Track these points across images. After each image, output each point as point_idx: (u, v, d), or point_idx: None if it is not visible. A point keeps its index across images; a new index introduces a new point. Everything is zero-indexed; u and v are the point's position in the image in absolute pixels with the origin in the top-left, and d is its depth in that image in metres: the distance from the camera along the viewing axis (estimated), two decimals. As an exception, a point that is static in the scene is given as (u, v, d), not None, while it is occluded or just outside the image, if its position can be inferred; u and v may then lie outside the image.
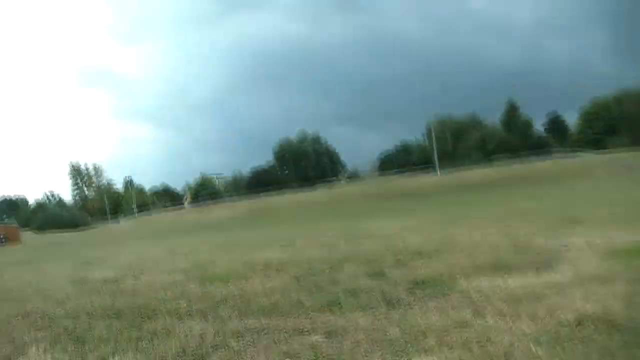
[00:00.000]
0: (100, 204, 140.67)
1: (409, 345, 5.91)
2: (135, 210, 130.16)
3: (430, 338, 6.04)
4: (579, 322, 6.08)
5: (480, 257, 10.71)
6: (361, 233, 19.42)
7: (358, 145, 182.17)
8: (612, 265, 8.96)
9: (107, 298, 10.63)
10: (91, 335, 7.80)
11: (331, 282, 9.68)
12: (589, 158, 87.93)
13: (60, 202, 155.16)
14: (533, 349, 5.42)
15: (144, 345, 6.95)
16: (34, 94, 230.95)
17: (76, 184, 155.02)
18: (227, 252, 17.69)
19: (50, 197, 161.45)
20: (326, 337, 6.52)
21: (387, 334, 6.34)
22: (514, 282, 8.38)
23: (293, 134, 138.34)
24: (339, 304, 8.06)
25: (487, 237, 13.91)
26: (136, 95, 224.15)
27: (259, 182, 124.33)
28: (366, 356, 5.74)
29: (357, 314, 7.39)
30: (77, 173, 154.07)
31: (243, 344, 6.59)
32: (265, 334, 6.93)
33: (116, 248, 30.63)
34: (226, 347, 6.51)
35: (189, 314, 8.45)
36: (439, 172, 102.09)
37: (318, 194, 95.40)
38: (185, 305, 9.11)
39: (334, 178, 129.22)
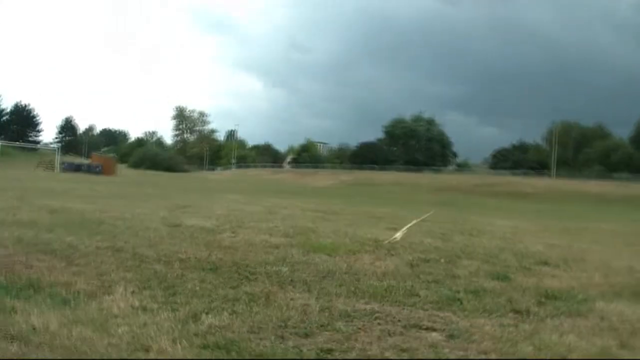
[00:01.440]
0: (200, 151, 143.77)
1: (547, 368, 5.17)
2: (234, 162, 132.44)
3: (572, 364, 5.28)
4: None
5: (618, 279, 9.75)
6: (472, 227, 18.54)
7: (473, 137, 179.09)
8: None
9: (202, 249, 10.29)
10: (183, 286, 7.42)
11: (449, 276, 8.98)
12: None
13: (160, 143, 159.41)
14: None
15: (240, 308, 6.46)
16: (150, 33, 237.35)
17: (179, 127, 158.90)
18: (330, 222, 17.19)
19: (150, 137, 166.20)
20: (448, 338, 5.85)
21: (519, 349, 5.61)
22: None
23: (406, 115, 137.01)
24: (460, 302, 7.36)
25: (620, 256, 12.83)
26: (253, 49, 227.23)
27: (364, 156, 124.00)
28: (499, 372, 5.03)
29: (481, 319, 6.68)
30: (181, 117, 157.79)
31: (353, 328, 5.99)
32: (378, 321, 6.31)
33: (212, 198, 30.72)
34: (333, 329, 5.93)
35: (292, 283, 7.94)
36: (555, 178, 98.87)
37: (424, 178, 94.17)
38: (287, 271, 8.62)
39: (443, 165, 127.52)
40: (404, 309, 6.93)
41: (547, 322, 6.80)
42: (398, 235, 13.38)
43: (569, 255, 12.27)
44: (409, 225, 16.59)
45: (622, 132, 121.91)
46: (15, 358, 3.41)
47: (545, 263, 10.91)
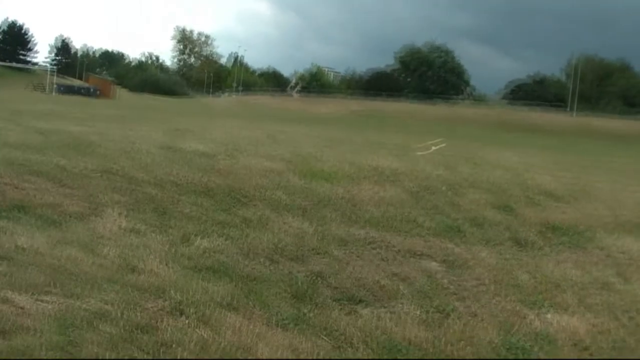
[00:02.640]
0: (203, 76, 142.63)
1: (541, 296, 5.31)
2: (240, 88, 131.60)
3: (568, 294, 5.42)
4: None
5: (625, 214, 9.86)
6: (483, 160, 18.59)
7: (490, 69, 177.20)
8: None
9: (198, 173, 10.34)
10: (176, 209, 7.53)
11: (451, 206, 9.11)
12: None
13: (162, 66, 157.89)
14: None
15: (233, 233, 6.60)
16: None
17: (181, 50, 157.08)
18: (333, 149, 17.23)
19: (149, 59, 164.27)
20: (444, 267, 5.99)
21: (516, 278, 5.76)
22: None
23: (420, 44, 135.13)
24: (461, 231, 7.51)
25: (631, 193, 12.93)
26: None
27: (375, 85, 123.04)
28: (492, 298, 5.17)
29: (480, 248, 6.83)
30: (182, 39, 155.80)
31: (347, 253, 6.15)
32: (373, 248, 6.46)
33: (213, 122, 30.65)
34: (327, 254, 6.07)
35: (288, 209, 8.06)
36: (575, 113, 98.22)
37: (438, 109, 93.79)
38: (284, 197, 8.73)
39: (458, 96, 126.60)
40: (401, 236, 7.07)
41: (547, 253, 6.95)
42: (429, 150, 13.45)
43: (577, 189, 12.36)
44: (436, 143, 16.62)
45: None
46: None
47: (552, 196, 11.00)
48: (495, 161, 18.53)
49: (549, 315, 4.87)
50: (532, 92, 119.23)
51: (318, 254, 6.05)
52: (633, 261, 6.91)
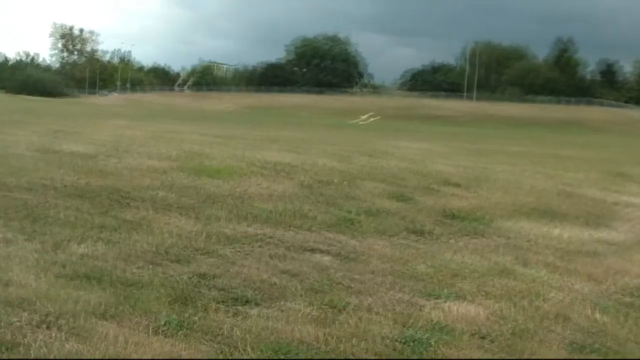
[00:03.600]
0: (89, 74, 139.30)
1: (439, 286, 5.32)
2: (127, 86, 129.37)
3: (467, 282, 5.46)
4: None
5: (522, 198, 10.15)
6: (376, 149, 18.78)
7: (390, 58, 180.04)
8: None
9: (76, 175, 9.97)
10: (56, 215, 7.20)
11: (346, 198, 9.10)
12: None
13: (40, 65, 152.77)
14: (592, 314, 4.84)
15: (113, 236, 6.35)
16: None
17: (64, 48, 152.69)
18: (224, 146, 17.03)
19: (25, 57, 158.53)
20: (338, 261, 5.94)
21: (413, 269, 5.75)
22: (563, 233, 7.86)
23: (312, 34, 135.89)
24: (355, 223, 7.49)
25: (529, 177, 13.32)
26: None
27: (268, 78, 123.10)
28: (387, 291, 5.13)
29: (376, 239, 6.82)
30: (66, 36, 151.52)
31: (234, 252, 6.00)
32: (263, 245, 6.34)
33: (96, 123, 29.84)
34: (214, 254, 5.92)
35: (173, 208, 7.85)
36: (467, 99, 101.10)
37: (332, 101, 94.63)
38: (169, 196, 8.51)
39: (354, 87, 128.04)
40: (293, 231, 6.99)
41: (445, 241, 7.02)
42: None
43: (476, 176, 12.62)
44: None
45: (542, 53, 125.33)
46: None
47: (451, 184, 11.19)
48: (393, 151, 18.73)
49: (447, 305, 4.87)
50: (429, 81, 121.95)
51: (204, 254, 5.89)
52: (531, 245, 7.09)
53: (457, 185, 11.12)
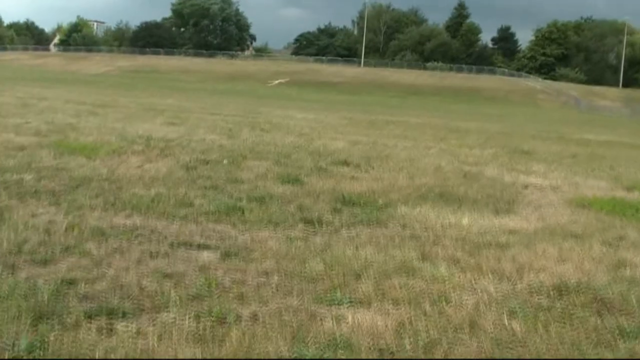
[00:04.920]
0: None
1: (338, 290, 5.02)
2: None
3: (367, 283, 5.19)
4: (560, 292, 5.38)
5: (424, 180, 10.03)
6: (265, 121, 18.46)
7: (274, 19, 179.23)
8: (584, 217, 8.46)
9: None
10: None
11: (231, 181, 8.74)
12: (534, 83, 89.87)
13: None
14: (502, 319, 4.67)
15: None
16: None
17: None
18: (97, 117, 16.35)
19: None
20: (225, 261, 5.56)
21: (309, 269, 5.44)
22: (469, 221, 7.75)
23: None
24: (242, 212, 7.13)
25: (431, 156, 13.26)
26: None
27: (147, 39, 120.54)
28: (277, 296, 4.82)
29: (267, 233, 6.48)
30: None
31: (106, 250, 5.52)
32: (140, 241, 5.89)
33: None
34: (82, 252, 5.44)
35: (36, 195, 7.28)
36: (362, 65, 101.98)
37: (217, 65, 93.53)
38: (31, 180, 7.93)
39: (239, 50, 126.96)
40: (172, 222, 6.57)
41: (342, 233, 6.74)
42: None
43: (372, 154, 12.48)
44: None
45: (437, 18, 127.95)
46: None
47: (345, 163, 11.00)
48: (282, 123, 18.47)
49: (345, 312, 4.60)
50: (320, 44, 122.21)
51: (70, 253, 5.41)
52: (437, 237, 6.89)
53: (353, 164, 10.93)
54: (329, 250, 6.04)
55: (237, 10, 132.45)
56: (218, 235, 6.27)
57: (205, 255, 5.65)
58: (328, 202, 7.95)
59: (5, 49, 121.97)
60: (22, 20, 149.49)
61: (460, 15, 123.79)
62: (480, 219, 7.99)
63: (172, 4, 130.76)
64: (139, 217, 6.66)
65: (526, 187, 10.70)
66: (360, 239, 6.56)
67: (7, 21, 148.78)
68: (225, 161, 10.13)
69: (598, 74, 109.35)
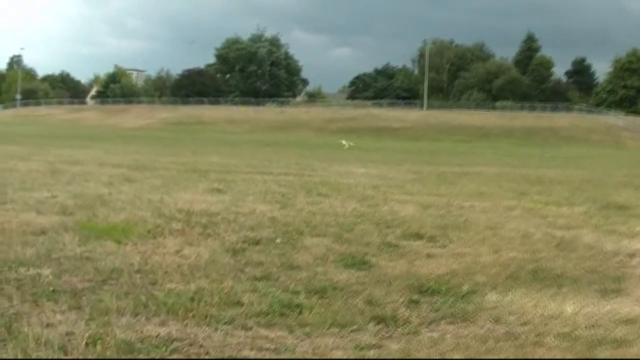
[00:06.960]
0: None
1: None
2: (19, 98, 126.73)
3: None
4: None
5: (510, 254, 9.27)
6: (323, 183, 17.83)
7: (327, 61, 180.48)
8: None
9: None
10: None
11: (285, 267, 8.04)
12: (615, 119, 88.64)
13: None
14: None
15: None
16: None
17: None
18: (132, 184, 15.86)
19: None
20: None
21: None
22: (573, 309, 6.92)
23: (245, 35, 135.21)
24: (300, 310, 6.41)
25: (514, 218, 12.51)
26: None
27: (190, 87, 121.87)
28: None
29: (329, 337, 5.73)
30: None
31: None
32: (175, 357, 5.22)
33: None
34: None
35: (53, 294, 6.62)
36: (424, 108, 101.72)
37: (266, 113, 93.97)
38: (49, 275, 7.29)
39: (290, 96, 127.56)
40: (216, 330, 5.86)
41: (423, 335, 5.99)
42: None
43: (447, 220, 11.78)
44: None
45: (505, 53, 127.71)
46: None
47: (418, 235, 10.29)
48: (341, 183, 17.86)
49: None
50: (377, 86, 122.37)
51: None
52: (534, 332, 6.11)
53: (427, 236, 10.22)
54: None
55: (287, 53, 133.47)
56: (272, 345, 5.56)
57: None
58: (402, 291, 7.21)
59: (39, 103, 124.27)
60: (57, 72, 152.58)
61: (530, 49, 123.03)
62: (586, 304, 7.15)
63: (216, 49, 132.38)
64: (175, 324, 5.96)
65: (633, 255, 9.83)
66: (445, 343, 5.80)
67: (41, 74, 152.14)
68: (278, 240, 9.48)
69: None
